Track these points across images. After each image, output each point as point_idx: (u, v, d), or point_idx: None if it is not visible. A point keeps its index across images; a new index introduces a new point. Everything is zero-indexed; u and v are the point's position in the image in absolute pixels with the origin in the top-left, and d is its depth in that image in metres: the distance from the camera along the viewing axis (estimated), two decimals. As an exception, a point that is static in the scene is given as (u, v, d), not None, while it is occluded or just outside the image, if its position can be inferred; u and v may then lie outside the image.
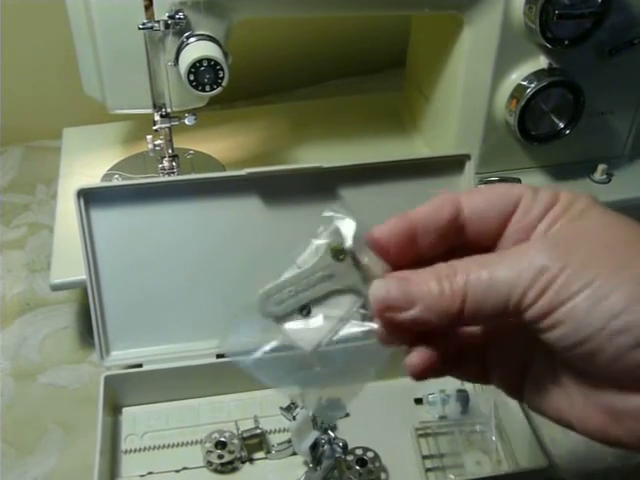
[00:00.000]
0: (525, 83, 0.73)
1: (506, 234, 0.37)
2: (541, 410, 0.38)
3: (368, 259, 0.37)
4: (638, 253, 0.33)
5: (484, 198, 0.38)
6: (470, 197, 0.38)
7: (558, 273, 0.32)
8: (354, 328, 0.37)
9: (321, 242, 0.37)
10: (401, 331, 0.36)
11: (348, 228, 0.37)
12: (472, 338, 0.39)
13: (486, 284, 0.33)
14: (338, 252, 0.37)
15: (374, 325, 0.36)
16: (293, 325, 0.37)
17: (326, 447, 0.61)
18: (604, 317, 0.31)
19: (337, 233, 0.37)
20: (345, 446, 0.62)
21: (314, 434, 0.61)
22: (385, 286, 0.35)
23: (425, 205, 0.38)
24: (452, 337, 0.38)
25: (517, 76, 0.74)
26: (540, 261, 0.33)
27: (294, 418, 0.62)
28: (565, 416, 0.36)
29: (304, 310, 0.37)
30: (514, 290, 0.33)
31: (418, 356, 0.36)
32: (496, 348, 0.39)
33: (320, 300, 0.37)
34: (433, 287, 0.34)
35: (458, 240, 0.38)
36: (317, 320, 0.37)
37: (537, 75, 0.72)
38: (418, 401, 0.68)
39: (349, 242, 0.37)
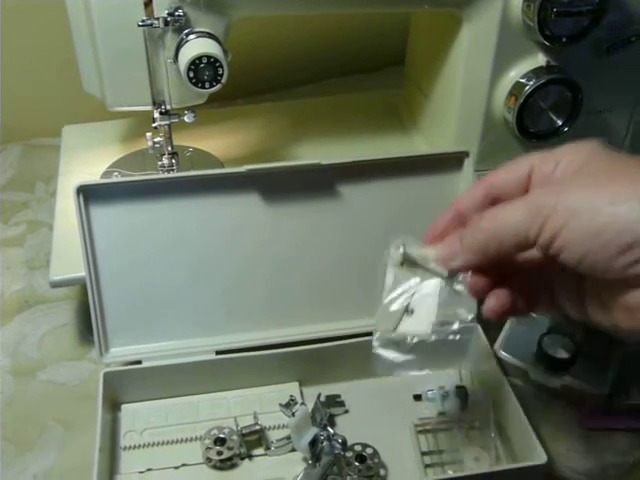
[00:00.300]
0: (523, 80, 0.73)
1: None
2: (597, 321, 0.44)
3: (420, 251, 0.49)
4: (616, 180, 0.40)
5: (504, 172, 0.47)
6: (494, 175, 0.47)
7: (552, 208, 0.40)
8: (446, 296, 0.48)
9: (389, 266, 0.50)
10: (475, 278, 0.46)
11: (396, 245, 0.49)
12: (541, 275, 0.47)
13: (498, 228, 0.43)
14: (401, 263, 0.49)
15: (460, 287, 0.48)
16: (406, 324, 0.49)
17: (325, 443, 0.61)
18: (591, 237, 0.39)
19: (392, 253, 0.49)
20: (344, 442, 0.62)
21: (313, 430, 0.62)
22: (438, 250, 0.47)
23: (465, 194, 0.49)
24: (524, 278, 0.47)
25: (516, 73, 0.74)
26: (537, 200, 0.41)
27: (293, 414, 0.63)
28: (604, 320, 0.43)
29: (407, 310, 0.49)
30: (520, 228, 0.41)
31: (494, 301, 0.46)
32: (559, 276, 0.46)
33: (413, 296, 0.49)
34: (463, 239, 0.45)
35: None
36: (420, 309, 0.49)
37: (535, 73, 0.73)
38: (417, 397, 0.68)
39: (400, 252, 0.49)
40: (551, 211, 0.39)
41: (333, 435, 0.62)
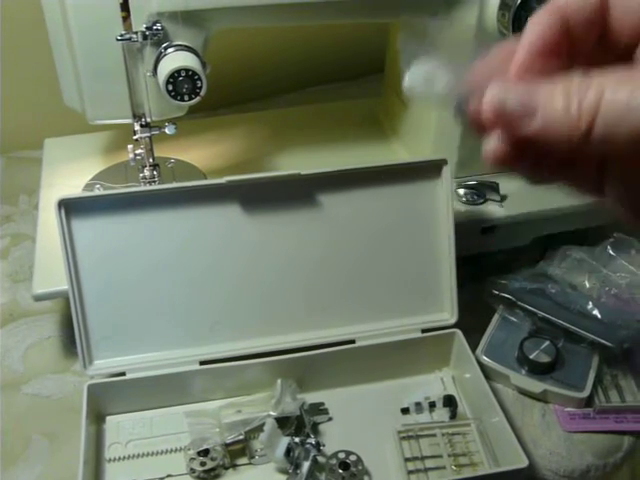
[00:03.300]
0: (500, 88, 0.74)
1: None
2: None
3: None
4: None
5: None
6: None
7: None
8: None
9: None
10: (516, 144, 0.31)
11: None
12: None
13: (624, 106, 0.28)
14: None
15: None
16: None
17: (300, 450, 0.62)
18: None
19: None
20: (318, 444, 0.62)
21: (285, 440, 0.62)
22: (505, 91, 0.30)
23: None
24: None
25: (492, 81, 0.74)
26: None
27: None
28: None
29: None
30: None
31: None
32: (626, 173, 0.34)
33: None
34: (557, 100, 0.29)
35: (601, 36, 0.33)
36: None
37: (512, 80, 0.73)
38: (405, 411, 0.68)
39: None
40: None
41: (305, 439, 0.62)
